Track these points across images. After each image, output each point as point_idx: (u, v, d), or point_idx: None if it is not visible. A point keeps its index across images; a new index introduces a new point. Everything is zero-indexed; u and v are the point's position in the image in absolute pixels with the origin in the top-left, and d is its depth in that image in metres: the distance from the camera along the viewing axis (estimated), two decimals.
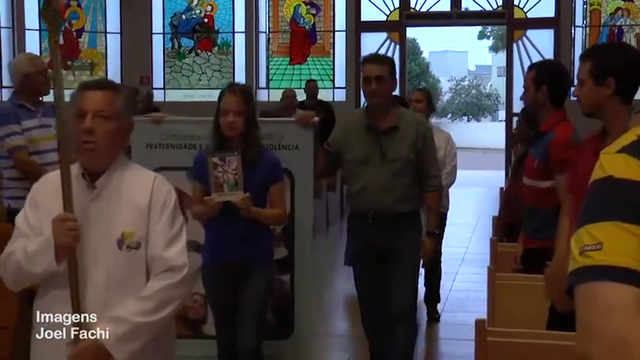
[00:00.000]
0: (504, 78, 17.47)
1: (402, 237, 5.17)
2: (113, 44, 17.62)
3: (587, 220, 1.49)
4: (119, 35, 17.59)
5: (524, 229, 4.95)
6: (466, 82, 59.67)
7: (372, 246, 5.19)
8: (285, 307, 5.49)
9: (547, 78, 4.75)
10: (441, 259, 7.83)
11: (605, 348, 1.37)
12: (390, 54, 17.01)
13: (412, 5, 16.97)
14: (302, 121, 5.45)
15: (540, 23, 16.42)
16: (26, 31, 16.74)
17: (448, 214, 7.71)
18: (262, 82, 17.16)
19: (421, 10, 17.03)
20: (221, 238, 4.78)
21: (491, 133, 39.17)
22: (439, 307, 7.78)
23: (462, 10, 16.97)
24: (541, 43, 16.23)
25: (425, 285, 7.56)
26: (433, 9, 17.02)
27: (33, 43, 16.67)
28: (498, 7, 16.68)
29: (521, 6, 16.54)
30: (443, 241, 7.36)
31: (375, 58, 5.43)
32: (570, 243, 1.51)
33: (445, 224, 7.75)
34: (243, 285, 4.74)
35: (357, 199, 5.25)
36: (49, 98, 6.27)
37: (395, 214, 5.13)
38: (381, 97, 5.14)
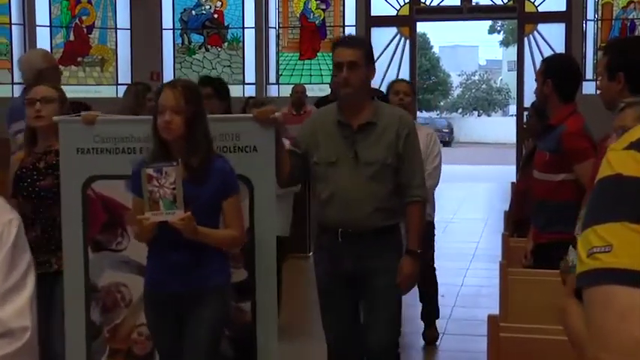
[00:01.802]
0: (515, 72, 17.38)
1: (379, 258, 4.35)
2: (123, 40, 17.63)
3: (595, 221, 1.44)
4: (129, 31, 17.60)
5: (534, 223, 4.94)
6: (477, 77, 59.56)
7: (341, 269, 4.38)
8: (246, 339, 4.56)
9: (553, 72, 4.77)
10: (435, 266, 7.00)
11: (621, 353, 1.33)
12: (400, 49, 17.02)
13: (422, 0, 16.94)
14: (260, 117, 4.41)
15: (551, 17, 16.34)
16: (37, 28, 16.76)
17: (454, 217, 7.48)
18: (272, 78, 17.14)
19: (431, 4, 17.00)
20: (161, 266, 4.03)
21: (502, 127, 39.18)
22: (453, 300, 7.75)
23: (473, 4, 16.92)
24: (552, 37, 16.15)
25: (420, 300, 6.91)
26: (443, 3, 16.97)
27: (44, 40, 16.68)
28: (509, 1, 16.61)
29: (532, 0, 16.48)
30: (452, 237, 7.30)
31: (348, 40, 4.84)
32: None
33: (434, 234, 6.81)
34: (190, 319, 4.00)
35: (324, 210, 4.41)
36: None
37: (370, 230, 4.31)
38: (354, 87, 4.28)
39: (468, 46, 69.26)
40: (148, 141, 4.24)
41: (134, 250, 4.43)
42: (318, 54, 17.16)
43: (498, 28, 53.96)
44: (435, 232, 6.91)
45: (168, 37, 17.65)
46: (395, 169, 4.33)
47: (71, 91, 13.15)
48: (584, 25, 16.05)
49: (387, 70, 16.97)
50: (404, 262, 4.38)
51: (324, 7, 17.29)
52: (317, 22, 17.24)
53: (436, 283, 7.02)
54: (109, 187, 4.51)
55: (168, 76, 17.51)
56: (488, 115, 56.09)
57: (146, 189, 3.77)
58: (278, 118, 4.41)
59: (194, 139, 3.91)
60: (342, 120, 4.37)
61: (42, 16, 16.86)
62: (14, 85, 15.91)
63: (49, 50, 14.32)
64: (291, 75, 17.18)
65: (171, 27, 17.63)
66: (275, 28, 17.32)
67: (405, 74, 17.00)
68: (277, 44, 17.34)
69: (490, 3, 16.85)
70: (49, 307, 4.48)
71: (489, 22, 52.22)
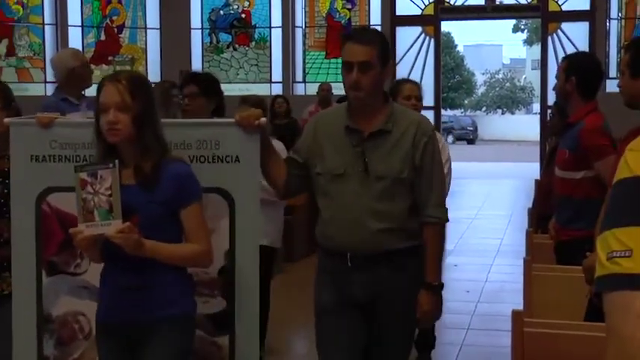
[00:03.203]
0: (539, 71, 17.31)
1: (393, 286, 3.64)
2: (153, 39, 17.72)
3: (614, 224, 1.41)
4: (159, 31, 17.68)
5: (557, 220, 4.92)
6: (500, 75, 59.39)
7: (349, 297, 3.66)
8: None
9: (576, 69, 4.74)
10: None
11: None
12: (424, 48, 16.99)
13: None
14: (243, 122, 3.63)
15: (575, 16, 16.24)
16: (69, 28, 16.87)
17: (479, 214, 7.33)
18: (299, 76, 17.14)
19: (456, 3, 16.96)
20: (109, 291, 3.31)
21: (526, 125, 38.97)
22: (477, 296, 7.74)
23: (497, 3, 16.86)
24: (576, 36, 16.05)
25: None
26: (468, 2, 16.92)
27: (76, 40, 16.79)
28: (532, 0, 16.55)
29: None
30: (477, 233, 7.21)
31: (360, 35, 3.74)
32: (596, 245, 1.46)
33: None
34: (142, 355, 3.28)
35: (328, 230, 3.67)
36: (91, 92, 6.35)
37: (381, 254, 3.58)
38: (366, 90, 3.54)
39: (492, 45, 69.01)
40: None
41: (94, 273, 3.58)
42: None
43: (522, 27, 53.69)
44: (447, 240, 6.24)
45: (196, 37, 17.71)
46: (411, 184, 3.61)
47: None
48: (607, 23, 15.94)
49: (411, 69, 16.95)
50: (422, 298, 3.65)
51: (349, 6, 17.29)
52: (343, 21, 17.23)
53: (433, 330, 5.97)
54: (67, 201, 3.54)
55: None
56: (512, 113, 55.86)
57: (79, 196, 3.09)
58: (263, 124, 3.64)
59: (144, 141, 3.19)
60: (352, 126, 3.62)
61: (74, 16, 16.98)
62: (47, 84, 16.03)
63: (81, 50, 14.40)
64: (318, 73, 17.18)
65: (200, 26, 17.70)
66: (301, 27, 17.34)
67: (429, 73, 16.99)
68: (304, 43, 17.36)
69: (514, 2, 16.79)
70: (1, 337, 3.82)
71: (513, 21, 51.99)
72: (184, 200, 3.23)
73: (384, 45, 3.63)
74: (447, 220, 3.78)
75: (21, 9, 16.62)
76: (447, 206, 3.77)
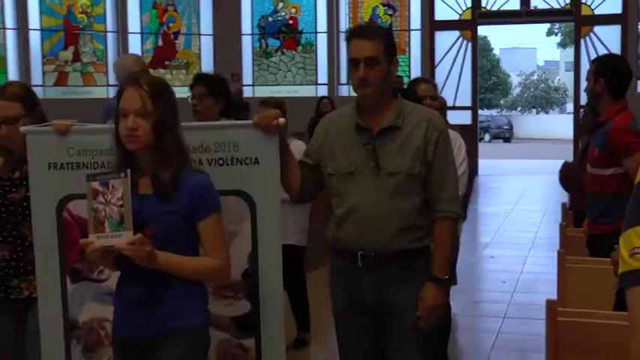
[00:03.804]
0: (572, 72, 17.13)
1: (405, 287, 3.35)
2: (206, 45, 17.85)
3: (636, 222, 1.40)
4: (212, 37, 17.79)
5: (589, 215, 4.88)
6: (535, 77, 58.82)
7: (360, 299, 3.39)
8: None
9: (605, 71, 4.69)
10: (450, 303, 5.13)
11: None
12: (462, 51, 16.91)
13: (484, 4, 16.80)
14: (262, 123, 3.36)
15: (607, 19, 16.06)
16: (129, 35, 17.04)
17: (515, 208, 7.10)
18: (343, 78, 17.13)
19: (492, 8, 16.84)
20: (121, 303, 3.02)
21: (560, 124, 38.54)
22: (513, 286, 7.68)
23: (531, 8, 16.72)
24: (608, 39, 15.87)
25: None
26: (504, 7, 16.82)
27: (135, 46, 16.97)
28: (566, 4, 16.38)
29: (588, 3, 16.22)
30: (513, 226, 7.09)
31: (365, 31, 3.38)
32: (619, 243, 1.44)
33: (458, 251, 5.29)
34: None
35: (340, 229, 3.39)
36: None
37: (393, 253, 3.32)
38: (374, 86, 3.27)
39: (526, 48, 68.40)
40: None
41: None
42: None
43: (556, 30, 53.08)
44: (461, 249, 5.47)
45: (247, 42, 17.80)
46: (423, 179, 3.34)
47: None
48: (638, 26, 15.73)
49: (449, 72, 16.90)
50: (426, 291, 3.32)
51: (391, 12, 17.26)
52: (385, 25, 17.17)
53: (450, 319, 5.27)
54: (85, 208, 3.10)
55: (247, 77, 17.68)
56: (546, 113, 55.27)
57: (91, 206, 2.79)
58: (282, 124, 3.36)
59: (164, 149, 2.87)
60: (361, 123, 3.35)
61: (134, 24, 17.17)
62: (109, 87, 16.22)
63: (140, 55, 14.53)
64: None
65: (250, 32, 17.79)
66: (345, 32, 17.30)
67: (467, 75, 16.91)
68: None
69: (548, 7, 16.63)
70: (24, 339, 3.63)
71: (547, 25, 51.42)
72: (202, 212, 2.91)
73: (389, 40, 3.37)
74: (461, 216, 3.51)
75: (85, 18, 16.84)
76: (460, 201, 3.50)
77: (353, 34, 3.33)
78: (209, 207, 2.93)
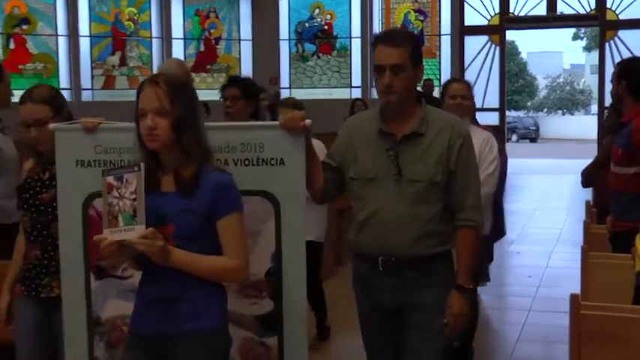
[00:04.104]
0: (597, 75, 16.97)
1: (425, 292, 3.18)
2: (246, 50, 17.92)
3: None
4: (251, 42, 17.86)
5: (612, 212, 4.85)
6: (561, 80, 58.32)
7: (381, 304, 3.25)
8: None
9: (627, 74, 4.67)
10: (478, 299, 5.38)
11: None
12: (490, 55, 16.82)
13: (511, 10, 16.71)
14: (288, 124, 3.21)
15: (631, 24, 15.89)
16: (173, 41, 17.15)
17: (540, 206, 6.91)
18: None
19: (520, 14, 16.74)
20: (140, 301, 2.87)
21: (585, 125, 38.16)
22: (538, 281, 7.62)
23: (558, 13, 16.60)
24: (632, 43, 15.71)
25: None
26: (531, 13, 16.71)
27: (178, 51, 17.07)
28: (591, 10, 16.24)
29: (613, 8, 16.07)
30: (538, 223, 7.00)
31: (391, 37, 3.16)
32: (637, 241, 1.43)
33: (492, 250, 5.39)
34: None
35: (361, 234, 3.23)
36: None
37: (413, 259, 3.14)
38: (399, 93, 3.09)
39: (553, 52, 67.74)
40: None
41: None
42: None
43: (582, 35, 52.56)
44: (493, 247, 5.47)
45: (284, 47, 17.86)
46: (445, 187, 3.16)
47: (201, 95, 13.45)
48: None
49: (478, 75, 16.82)
50: (452, 299, 3.15)
51: (422, 18, 17.22)
52: (416, 31, 17.15)
53: (476, 320, 5.09)
54: None
55: (284, 80, 17.72)
56: (572, 114, 54.74)
57: (106, 201, 2.66)
58: (308, 125, 3.20)
59: (184, 146, 2.74)
60: (385, 129, 3.17)
61: (177, 30, 17.28)
62: None
63: (183, 59, 14.62)
64: None
65: (287, 38, 17.85)
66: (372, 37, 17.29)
67: (495, 78, 16.82)
68: None
69: (574, 12, 16.49)
70: (54, 336, 3.51)
71: (573, 30, 50.93)
72: (222, 211, 2.73)
73: (415, 46, 3.17)
74: (483, 223, 3.31)
75: (132, 25, 16.97)
76: (482, 209, 3.27)
77: (379, 40, 3.14)
78: (229, 205, 2.75)
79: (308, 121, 3.18)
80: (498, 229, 5.80)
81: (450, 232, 3.18)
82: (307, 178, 3.29)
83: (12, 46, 15.98)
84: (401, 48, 3.07)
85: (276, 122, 3.29)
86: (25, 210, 3.48)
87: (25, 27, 16.07)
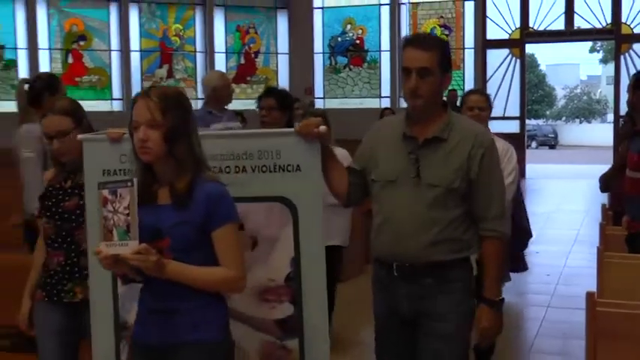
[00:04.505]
0: (612, 86, 16.79)
1: (441, 299, 2.91)
2: (283, 62, 17.98)
3: None
4: (287, 55, 17.91)
5: (628, 215, 4.80)
6: (578, 90, 57.78)
7: (397, 309, 2.99)
8: None
9: None
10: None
11: None
12: (511, 67, 16.71)
13: (531, 25, 16.59)
14: (304, 131, 3.06)
15: None
16: (215, 54, 17.24)
17: (558, 209, 6.92)
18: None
19: (539, 28, 16.61)
20: (140, 311, 2.71)
21: (601, 132, 37.77)
22: (556, 279, 7.54)
23: (575, 28, 16.44)
24: None
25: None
26: (549, 28, 16.58)
27: (221, 63, 17.16)
28: (607, 24, 16.07)
29: (628, 22, 15.89)
30: (556, 225, 6.93)
31: (420, 41, 2.93)
32: None
33: (523, 257, 5.16)
34: None
35: (378, 238, 3.01)
36: (231, 106, 6.47)
37: (429, 265, 2.89)
38: (425, 97, 2.86)
39: (570, 64, 67.04)
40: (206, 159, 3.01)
41: None
42: None
43: (598, 48, 52.02)
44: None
45: (318, 60, 17.90)
46: (463, 194, 2.89)
47: (241, 105, 13.57)
48: None
49: (500, 85, 16.75)
50: (481, 314, 2.93)
51: (447, 32, 17.17)
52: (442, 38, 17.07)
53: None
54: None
55: (318, 91, 17.76)
56: (589, 122, 54.17)
57: (101, 214, 2.50)
58: (323, 132, 3.03)
59: (177, 157, 2.55)
60: (408, 133, 2.95)
61: (219, 44, 17.38)
62: (198, 100, 16.44)
63: (225, 71, 14.70)
64: None
65: (322, 51, 17.89)
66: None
67: (515, 88, 16.72)
68: None
69: (590, 26, 16.33)
70: (77, 341, 3.40)
71: (590, 43, 50.46)
72: (216, 222, 2.55)
73: (445, 52, 2.92)
74: (508, 234, 3.00)
75: (178, 40, 17.10)
76: (507, 218, 3.02)
77: (408, 43, 2.90)
78: (223, 216, 2.56)
79: (323, 128, 3.02)
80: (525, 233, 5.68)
81: (470, 239, 2.93)
82: (329, 183, 3.14)
83: (70, 60, 16.17)
84: (429, 52, 2.84)
85: (292, 129, 3.15)
86: (48, 217, 3.34)
87: (82, 43, 16.26)
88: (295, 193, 3.10)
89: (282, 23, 17.92)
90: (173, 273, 2.48)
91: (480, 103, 4.55)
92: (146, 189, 2.55)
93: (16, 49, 15.60)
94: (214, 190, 2.56)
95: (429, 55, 2.83)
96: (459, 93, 16.56)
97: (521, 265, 6.17)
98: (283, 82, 17.74)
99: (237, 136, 3.21)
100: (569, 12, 16.35)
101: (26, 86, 4.93)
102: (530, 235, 6.28)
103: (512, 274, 5.32)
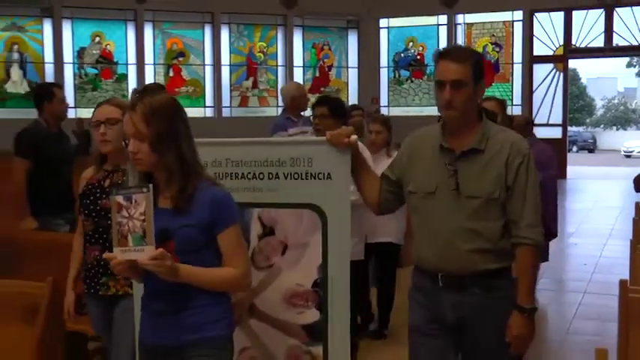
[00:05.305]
0: None
1: (484, 309, 2.61)
2: (353, 75, 17.97)
3: None
4: (357, 69, 17.90)
5: None
6: (616, 101, 56.23)
7: (440, 316, 2.66)
8: None
9: None
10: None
11: None
12: (555, 80, 16.33)
13: (574, 42, 16.19)
14: (334, 140, 2.79)
15: None
16: (294, 68, 17.35)
17: (595, 206, 6.70)
18: None
19: (580, 45, 16.19)
20: (144, 309, 2.47)
21: (636, 139, 36.65)
22: (592, 268, 7.34)
23: (614, 45, 15.96)
24: None
25: None
26: (590, 45, 16.14)
27: (298, 76, 17.25)
28: None
29: None
30: (593, 220, 6.72)
31: (453, 53, 2.61)
32: None
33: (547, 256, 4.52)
34: None
35: (420, 249, 2.69)
36: (307, 112, 6.49)
37: (473, 274, 2.59)
38: (459, 109, 2.58)
39: (609, 77, 65.10)
40: (241, 165, 2.91)
41: None
42: (492, 84, 16.77)
43: (634, 62, 50.40)
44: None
45: (384, 73, 17.84)
46: (503, 204, 2.59)
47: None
48: None
49: (544, 97, 16.44)
50: (513, 321, 2.59)
51: (497, 49, 16.92)
52: (492, 60, 16.87)
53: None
54: None
55: (384, 100, 17.71)
56: (625, 130, 52.63)
57: (115, 220, 2.25)
58: (353, 142, 2.77)
59: (166, 165, 2.32)
60: (445, 145, 2.64)
61: (298, 59, 17.46)
62: (278, 108, 16.58)
63: (302, 83, 14.79)
64: None
65: (386, 65, 17.82)
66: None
67: (559, 99, 16.37)
68: None
69: (628, 43, 15.83)
70: (116, 331, 3.13)
71: (627, 59, 48.89)
72: (220, 225, 2.34)
73: (477, 62, 2.61)
74: (542, 242, 2.63)
75: (262, 56, 17.26)
76: (541, 226, 2.63)
77: (441, 56, 2.61)
78: (227, 219, 2.35)
79: (354, 137, 2.76)
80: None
81: (510, 250, 2.61)
82: (361, 191, 2.86)
83: (171, 74, 16.48)
84: (462, 64, 2.55)
85: (324, 138, 2.83)
86: (87, 215, 3.15)
87: (180, 59, 16.55)
88: (325, 200, 2.85)
89: (353, 41, 17.90)
90: (186, 276, 2.27)
91: (490, 108, 3.98)
92: None
93: (127, 64, 15.99)
94: (218, 194, 2.35)
95: (462, 68, 2.55)
96: (508, 103, 16.33)
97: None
98: (353, 92, 17.76)
99: (271, 143, 3.00)
100: (609, 30, 15.88)
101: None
102: (554, 236, 6.01)
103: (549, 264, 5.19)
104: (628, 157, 32.46)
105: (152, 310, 2.38)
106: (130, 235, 2.21)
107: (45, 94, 5.04)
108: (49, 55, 15.25)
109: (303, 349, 2.94)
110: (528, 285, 2.60)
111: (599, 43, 16.01)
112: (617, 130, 52.64)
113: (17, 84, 15.13)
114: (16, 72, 15.12)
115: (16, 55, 15.09)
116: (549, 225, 5.91)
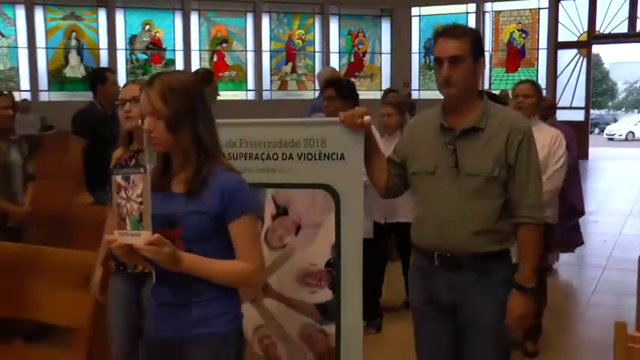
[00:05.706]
0: None
1: (482, 290, 2.41)
2: (386, 61, 17.81)
3: None
4: (389, 55, 17.73)
5: None
6: (638, 84, 54.80)
7: (436, 297, 2.48)
8: None
9: None
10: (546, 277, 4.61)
11: None
12: (579, 65, 15.98)
13: (597, 28, 15.79)
14: (348, 121, 2.60)
15: None
16: (331, 54, 17.26)
17: (615, 186, 6.50)
18: (486, 86, 16.62)
19: (604, 31, 15.79)
20: (153, 299, 2.16)
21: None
22: (612, 245, 7.21)
23: (637, 31, 15.52)
24: None
25: None
26: (614, 31, 15.72)
27: (335, 61, 17.16)
28: None
29: None
30: (613, 199, 6.56)
31: (451, 30, 2.40)
32: None
33: (551, 242, 4.36)
34: None
35: (419, 229, 2.51)
36: None
37: (470, 255, 2.39)
38: (458, 86, 2.37)
39: (631, 62, 63.41)
40: (255, 146, 2.74)
41: None
42: (519, 69, 16.50)
43: None
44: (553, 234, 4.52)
45: (415, 58, 17.66)
46: (504, 183, 2.39)
47: None
48: None
49: (568, 81, 16.11)
50: (513, 300, 2.39)
51: (524, 36, 16.61)
52: (519, 46, 16.59)
53: (545, 294, 4.45)
54: None
55: (415, 84, 17.54)
56: None
57: (115, 201, 1.95)
58: (367, 123, 2.58)
59: (181, 146, 2.03)
60: (445, 124, 2.45)
61: (334, 45, 17.36)
62: (315, 91, 16.53)
63: (337, 68, 14.72)
64: (499, 83, 16.65)
65: (418, 51, 17.62)
66: (489, 51, 16.79)
67: (582, 83, 16.03)
68: (490, 62, 16.82)
69: None
70: (142, 309, 2.87)
71: None
72: (232, 213, 2.01)
73: (475, 39, 2.40)
74: (543, 221, 2.43)
75: (301, 42, 17.20)
76: (543, 205, 2.46)
77: (439, 34, 2.41)
78: (239, 207, 2.02)
79: (367, 118, 2.57)
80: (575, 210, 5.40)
81: (509, 230, 2.41)
82: (369, 174, 2.68)
83: (215, 59, 16.52)
84: (460, 40, 2.35)
85: (337, 118, 2.64)
86: None
87: (224, 45, 16.57)
88: (338, 181, 2.69)
89: (386, 28, 17.72)
90: (189, 266, 1.96)
91: (524, 91, 3.97)
92: (160, 176, 2.08)
93: (174, 50, 16.07)
94: (230, 181, 2.03)
95: (459, 43, 2.34)
96: None
97: (575, 240, 5.92)
98: (386, 77, 17.62)
99: (284, 124, 2.82)
100: (632, 17, 15.45)
101: None
102: (582, 214, 5.93)
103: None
104: (611, 139, 31.77)
105: (157, 300, 2.11)
106: (127, 218, 1.92)
107: (98, 78, 5.07)
108: (103, 42, 15.42)
109: (317, 328, 2.83)
110: (530, 264, 2.40)
111: (623, 29, 15.60)
112: (639, 112, 51.42)
113: (75, 69, 15.35)
114: (74, 58, 15.33)
115: (73, 42, 15.30)
116: (576, 204, 5.81)
